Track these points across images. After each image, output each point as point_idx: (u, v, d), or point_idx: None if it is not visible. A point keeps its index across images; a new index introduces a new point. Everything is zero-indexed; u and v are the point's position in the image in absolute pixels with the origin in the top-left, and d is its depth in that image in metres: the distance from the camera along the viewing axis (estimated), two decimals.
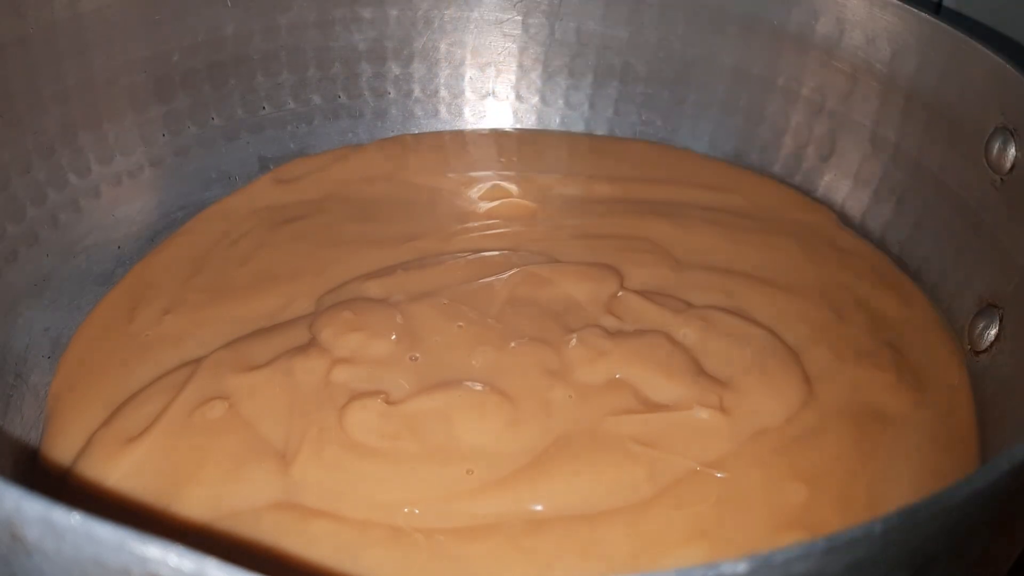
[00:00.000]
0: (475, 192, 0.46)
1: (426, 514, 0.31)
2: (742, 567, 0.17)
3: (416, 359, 0.36)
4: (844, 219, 0.44)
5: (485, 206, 0.45)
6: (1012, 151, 0.36)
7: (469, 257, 0.41)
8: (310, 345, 0.36)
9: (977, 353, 0.37)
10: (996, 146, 0.36)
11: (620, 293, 0.39)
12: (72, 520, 0.18)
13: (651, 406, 0.34)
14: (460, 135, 0.50)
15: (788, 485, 0.32)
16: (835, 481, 0.32)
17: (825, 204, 0.45)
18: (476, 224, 0.43)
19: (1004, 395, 0.35)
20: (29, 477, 0.35)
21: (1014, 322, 0.35)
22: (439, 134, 0.50)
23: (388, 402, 0.34)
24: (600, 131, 0.50)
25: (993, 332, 0.36)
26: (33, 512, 0.18)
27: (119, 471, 0.33)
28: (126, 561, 0.18)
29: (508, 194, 0.46)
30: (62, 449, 0.35)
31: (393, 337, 0.36)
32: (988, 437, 0.35)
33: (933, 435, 0.34)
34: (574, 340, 0.36)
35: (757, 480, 0.32)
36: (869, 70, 0.43)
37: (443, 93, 0.50)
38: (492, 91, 0.50)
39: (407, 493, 0.32)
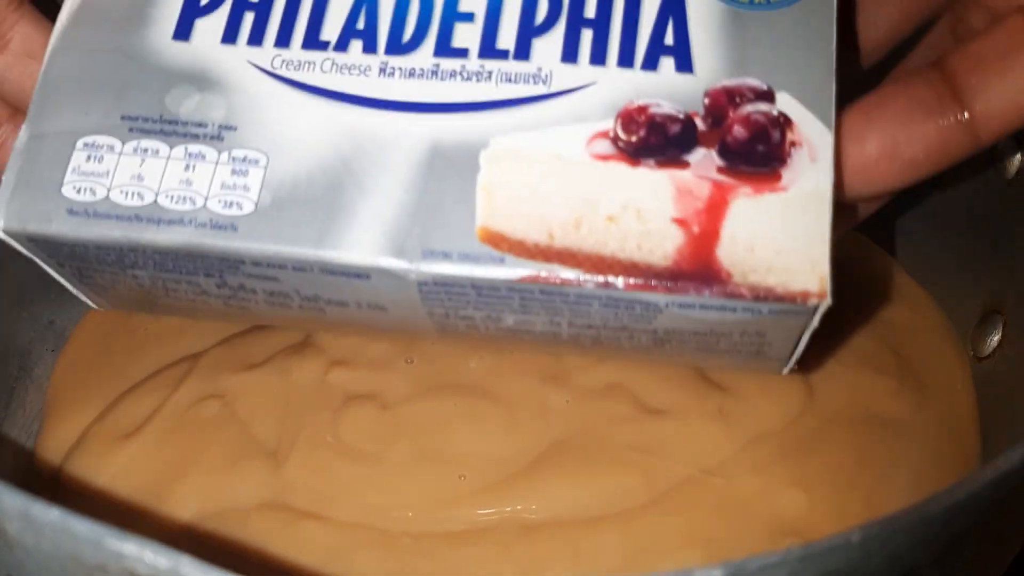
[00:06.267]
0: None
1: (416, 518, 0.31)
2: (716, 573, 0.17)
3: (412, 362, 0.35)
4: None
5: None
6: (1017, 156, 0.35)
7: None
8: (307, 345, 0.36)
9: (980, 359, 0.36)
10: (1001, 151, 0.36)
11: None
12: (50, 515, 0.18)
13: (649, 411, 0.34)
14: None
15: (786, 492, 0.32)
16: (834, 488, 0.32)
17: None
18: None
19: (1007, 402, 0.34)
20: (30, 471, 0.36)
21: (1018, 329, 0.35)
22: None
23: (382, 406, 0.34)
24: None
25: (996, 338, 0.36)
26: (13, 506, 0.18)
27: (112, 468, 0.33)
28: (103, 557, 0.18)
29: None
30: (58, 444, 0.35)
31: (390, 340, 0.36)
32: (990, 444, 0.34)
33: (935, 442, 0.34)
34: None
35: (755, 487, 0.32)
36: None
37: None
38: None
39: (398, 497, 0.31)
